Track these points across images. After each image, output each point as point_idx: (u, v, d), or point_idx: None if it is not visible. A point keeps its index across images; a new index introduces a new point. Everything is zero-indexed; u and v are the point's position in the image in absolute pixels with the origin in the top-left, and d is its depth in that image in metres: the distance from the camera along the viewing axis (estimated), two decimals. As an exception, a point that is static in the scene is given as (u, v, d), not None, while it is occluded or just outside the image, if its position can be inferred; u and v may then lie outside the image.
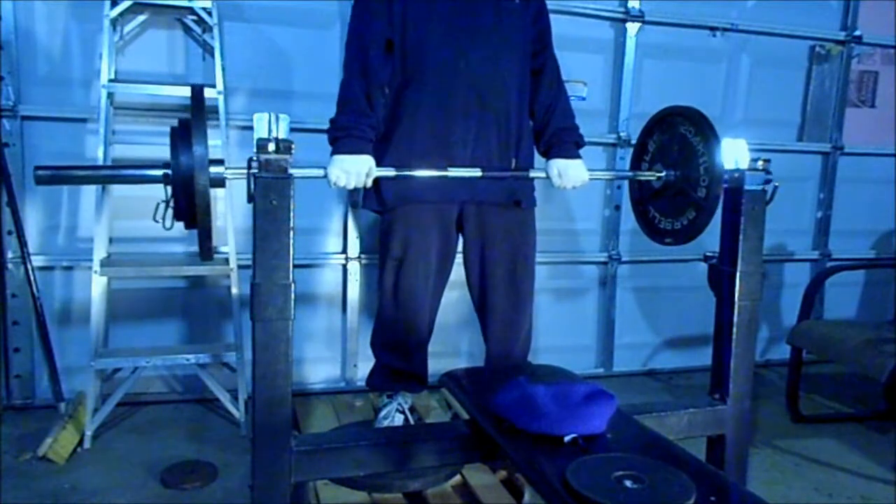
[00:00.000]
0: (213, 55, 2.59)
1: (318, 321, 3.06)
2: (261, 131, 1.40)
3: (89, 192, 2.65)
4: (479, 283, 2.25)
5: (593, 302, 3.45)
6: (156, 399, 2.84)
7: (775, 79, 3.52)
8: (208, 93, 2.56)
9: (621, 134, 3.27)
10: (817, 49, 3.55)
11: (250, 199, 1.41)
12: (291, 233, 1.41)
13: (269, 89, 2.84)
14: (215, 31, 2.57)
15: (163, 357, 2.56)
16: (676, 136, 1.93)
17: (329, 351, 3.09)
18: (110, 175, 1.74)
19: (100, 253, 2.48)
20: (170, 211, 1.51)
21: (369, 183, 1.88)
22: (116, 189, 2.66)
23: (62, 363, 2.68)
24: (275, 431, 1.47)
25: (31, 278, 2.60)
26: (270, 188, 1.39)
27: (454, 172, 1.86)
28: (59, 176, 1.52)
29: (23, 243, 2.59)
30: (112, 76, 2.49)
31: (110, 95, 2.52)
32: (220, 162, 1.50)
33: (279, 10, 2.81)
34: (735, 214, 1.73)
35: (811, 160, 3.68)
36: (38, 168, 1.45)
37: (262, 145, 1.39)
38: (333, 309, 3.08)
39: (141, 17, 2.64)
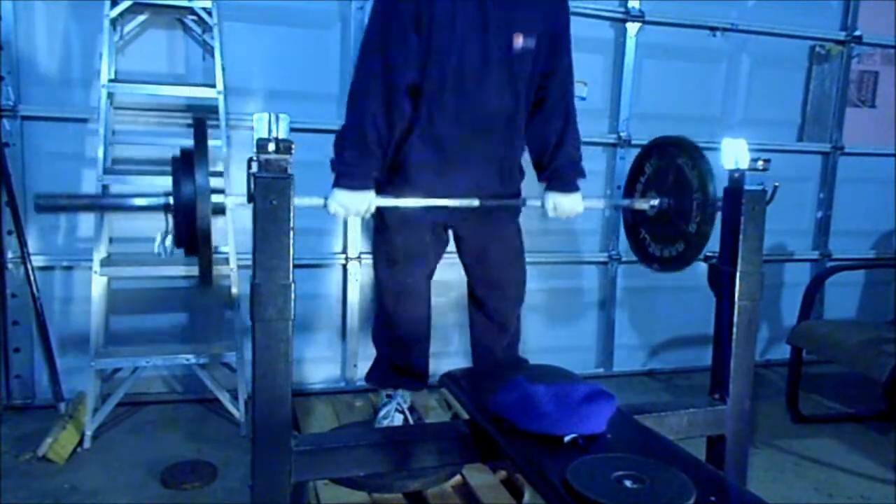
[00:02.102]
0: (213, 55, 2.59)
1: (318, 321, 3.06)
2: (261, 131, 1.40)
3: (89, 192, 2.65)
4: (476, 273, 2.27)
5: (593, 301, 3.45)
6: (156, 399, 2.84)
7: (775, 79, 3.52)
8: (208, 93, 2.57)
9: (621, 134, 3.27)
10: (817, 49, 3.55)
11: (250, 199, 1.41)
12: (291, 233, 1.41)
13: (269, 89, 2.85)
14: (215, 31, 2.57)
15: (163, 357, 2.56)
16: (673, 165, 1.93)
17: (329, 351, 3.09)
18: (111, 204, 1.75)
19: (100, 253, 2.48)
20: (169, 238, 1.51)
21: (368, 215, 1.90)
22: (116, 189, 2.66)
23: (62, 363, 2.68)
24: (275, 431, 1.47)
25: (31, 278, 2.60)
26: (270, 188, 1.39)
27: (453, 202, 1.90)
28: (58, 205, 1.54)
29: (23, 243, 2.59)
30: (112, 76, 2.49)
31: (110, 95, 2.52)
32: (221, 191, 1.53)
33: (279, 10, 2.81)
34: (735, 214, 1.73)
35: (811, 160, 3.68)
36: (38, 196, 1.47)
37: (262, 145, 1.39)
38: (333, 309, 3.08)
39: (141, 17, 2.64)
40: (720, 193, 1.79)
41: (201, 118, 1.59)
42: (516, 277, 2.30)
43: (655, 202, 1.95)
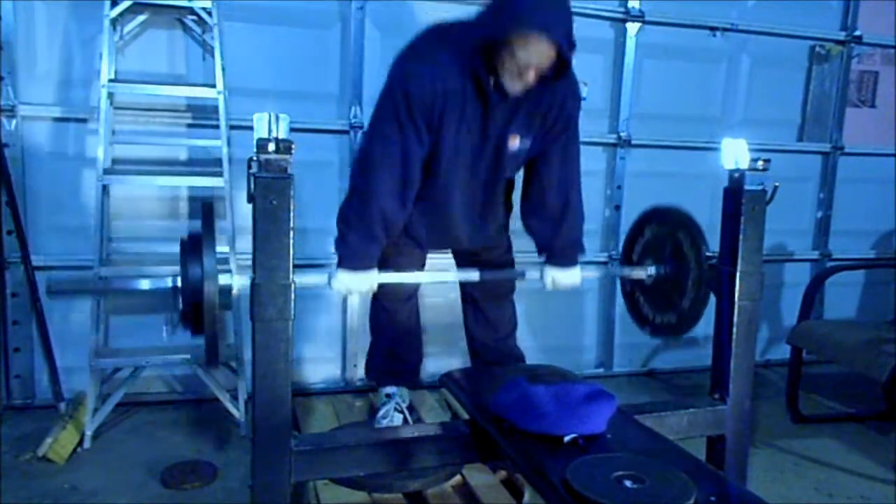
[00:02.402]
0: (213, 55, 2.59)
1: (318, 321, 3.06)
2: (261, 131, 1.40)
3: (89, 192, 2.65)
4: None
5: (593, 302, 3.45)
6: (156, 399, 2.84)
7: (775, 79, 3.52)
8: (208, 93, 2.57)
9: (621, 134, 3.27)
10: (817, 49, 3.55)
11: (250, 199, 1.41)
12: (291, 233, 1.41)
13: (269, 89, 2.84)
14: (215, 31, 2.56)
15: (162, 357, 2.56)
16: (672, 237, 1.98)
17: (329, 351, 3.09)
18: (121, 288, 1.78)
19: (100, 253, 2.47)
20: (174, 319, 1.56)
21: (370, 293, 1.95)
22: (116, 189, 2.67)
23: (62, 363, 2.68)
24: (275, 431, 1.47)
25: (31, 278, 2.60)
26: (270, 188, 1.39)
27: (453, 277, 2.04)
28: (71, 290, 1.59)
29: (23, 243, 2.59)
30: (112, 76, 2.48)
31: (110, 95, 2.52)
32: (228, 271, 1.56)
33: (279, 10, 2.81)
34: (735, 214, 1.73)
35: (811, 160, 3.68)
36: (50, 284, 1.52)
37: (262, 145, 1.39)
38: (333, 309, 3.08)
39: (141, 17, 2.64)
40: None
41: (209, 204, 1.64)
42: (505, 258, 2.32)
43: (652, 271, 2.00)
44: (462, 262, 2.27)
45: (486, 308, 2.33)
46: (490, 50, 1.73)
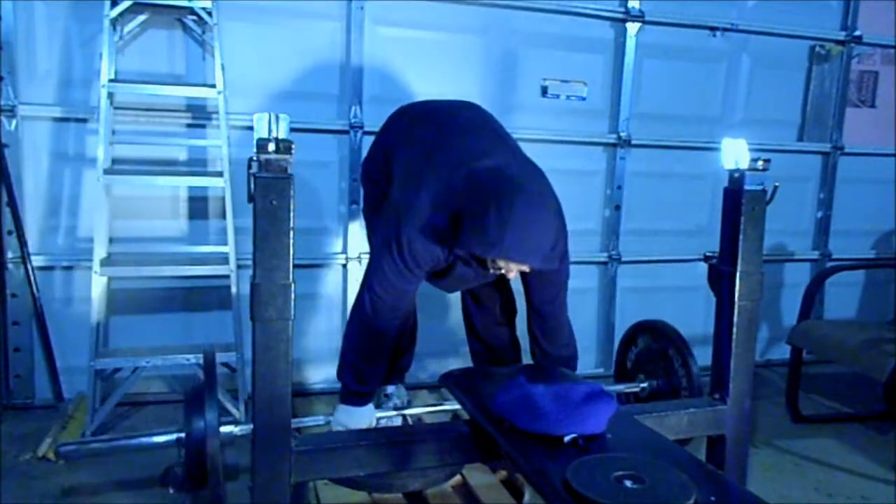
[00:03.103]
0: (213, 55, 2.59)
1: (318, 321, 3.06)
2: (261, 131, 1.40)
3: (89, 192, 2.66)
4: None
5: (593, 302, 3.44)
6: (156, 399, 2.84)
7: (775, 79, 3.52)
8: (208, 93, 2.57)
9: (621, 134, 3.27)
10: (817, 49, 3.55)
11: (250, 199, 1.41)
12: (291, 233, 1.41)
13: (269, 89, 2.84)
14: (215, 31, 2.57)
15: (163, 357, 2.56)
16: (663, 354, 2.13)
17: (329, 351, 3.09)
18: (126, 445, 1.82)
19: (100, 253, 2.47)
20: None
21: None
22: (116, 189, 2.66)
23: (62, 363, 2.69)
24: (275, 431, 1.47)
25: (31, 278, 2.60)
26: (270, 188, 1.39)
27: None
28: (81, 452, 1.65)
29: (23, 243, 2.59)
30: (112, 76, 2.49)
31: (110, 95, 2.52)
32: (231, 422, 1.61)
33: (279, 10, 2.81)
34: (735, 214, 1.73)
35: (811, 160, 3.68)
36: (60, 446, 1.63)
37: (262, 145, 1.39)
38: (333, 309, 3.08)
39: (141, 17, 2.64)
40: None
41: (211, 356, 1.69)
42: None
43: (645, 386, 2.15)
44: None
45: (481, 295, 2.33)
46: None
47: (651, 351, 2.19)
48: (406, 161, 2.01)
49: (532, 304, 2.09)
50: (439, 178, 1.84)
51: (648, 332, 2.23)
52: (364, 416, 1.96)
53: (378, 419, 2.31)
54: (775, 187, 1.74)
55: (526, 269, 1.77)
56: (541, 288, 2.04)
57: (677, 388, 2.02)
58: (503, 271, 1.78)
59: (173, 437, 1.58)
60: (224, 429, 1.56)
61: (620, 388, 2.19)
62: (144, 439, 1.67)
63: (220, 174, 2.54)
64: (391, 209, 1.95)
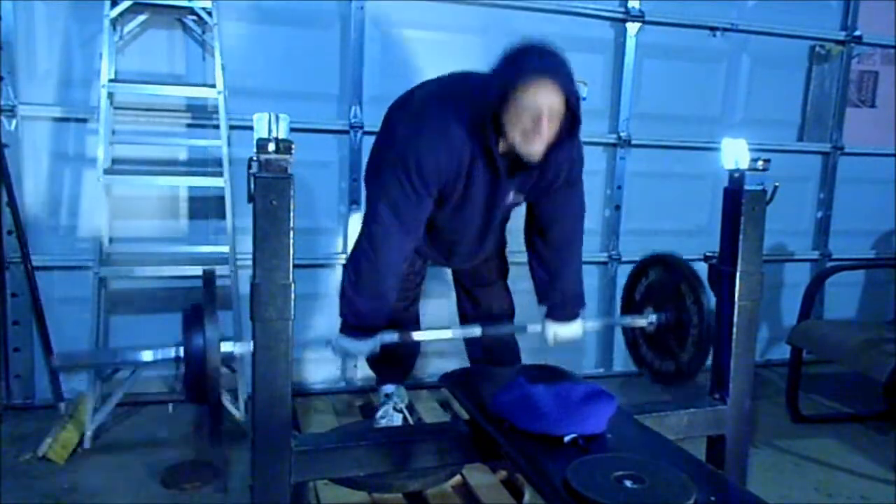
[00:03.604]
0: (213, 55, 2.59)
1: (318, 321, 3.06)
2: (261, 131, 1.40)
3: (89, 191, 2.65)
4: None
5: (593, 302, 3.44)
6: (156, 399, 2.84)
7: (775, 79, 3.52)
8: (208, 93, 2.57)
9: (621, 134, 3.27)
10: (817, 49, 3.55)
11: (250, 199, 1.41)
12: (291, 233, 1.41)
13: (269, 89, 2.84)
14: (215, 31, 2.57)
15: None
16: (675, 288, 1.97)
17: (329, 351, 3.08)
18: (126, 362, 1.78)
19: (100, 253, 2.47)
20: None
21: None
22: (116, 189, 2.66)
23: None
24: (275, 431, 1.47)
25: (31, 278, 2.59)
26: (270, 188, 1.39)
27: (452, 333, 2.11)
28: (73, 365, 1.60)
29: (23, 243, 2.59)
30: (112, 76, 2.48)
31: (110, 95, 2.51)
32: (229, 339, 1.55)
33: (279, 10, 2.81)
34: (735, 214, 1.73)
35: (811, 160, 3.68)
36: (53, 357, 1.51)
37: (262, 145, 1.39)
38: (333, 309, 3.07)
39: (141, 17, 2.63)
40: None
41: (211, 272, 1.64)
42: (498, 266, 2.34)
43: (653, 319, 2.00)
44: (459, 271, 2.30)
45: (478, 294, 2.33)
46: (499, 117, 1.71)
47: (662, 284, 2.03)
48: (406, 110, 2.02)
49: (544, 231, 2.04)
50: (445, 103, 1.84)
51: (661, 265, 2.06)
52: (364, 347, 1.89)
53: (377, 419, 2.33)
54: (775, 187, 1.74)
55: (556, 108, 1.68)
56: (553, 210, 2.00)
57: (687, 324, 1.90)
58: (530, 139, 1.69)
59: (172, 353, 1.54)
60: (223, 346, 1.52)
61: (627, 320, 2.08)
62: (142, 354, 1.61)
63: (220, 174, 2.54)
64: (397, 145, 1.90)
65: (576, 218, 2.05)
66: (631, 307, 2.12)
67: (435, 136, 1.79)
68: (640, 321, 2.01)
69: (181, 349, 1.50)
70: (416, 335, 1.98)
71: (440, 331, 2.10)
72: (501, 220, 2.12)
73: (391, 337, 1.88)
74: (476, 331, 2.00)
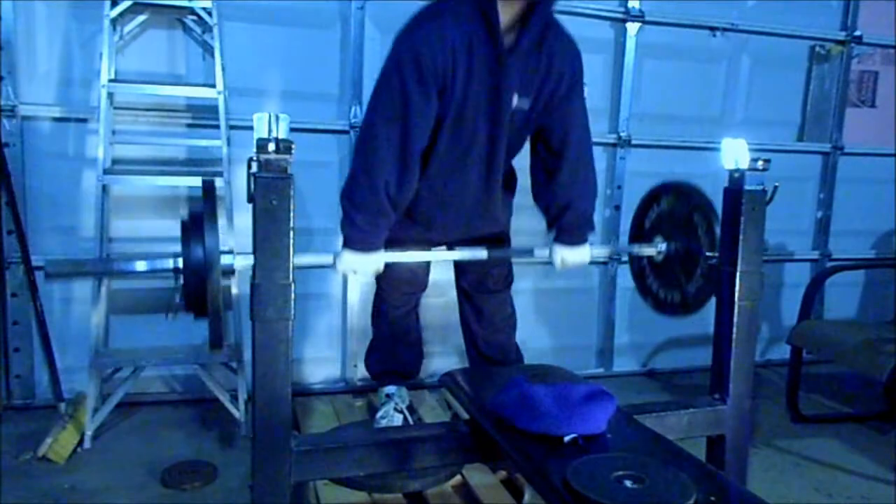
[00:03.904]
0: (213, 55, 2.59)
1: (318, 321, 3.06)
2: (261, 131, 1.40)
3: (89, 191, 2.65)
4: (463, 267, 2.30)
5: (593, 302, 3.45)
6: (156, 399, 2.84)
7: (775, 79, 3.52)
8: (208, 93, 2.57)
9: (621, 134, 3.27)
10: (817, 49, 3.55)
11: (250, 199, 1.41)
12: (291, 233, 1.41)
13: (269, 89, 2.84)
14: (215, 31, 2.57)
15: (163, 357, 2.56)
16: (686, 216, 1.93)
17: (329, 351, 3.09)
18: (121, 270, 1.74)
19: (100, 252, 2.47)
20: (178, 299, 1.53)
21: (376, 274, 1.91)
22: (116, 189, 2.67)
23: (62, 363, 2.68)
24: (275, 431, 1.47)
25: (31, 278, 2.60)
26: (270, 188, 1.39)
27: (459, 255, 1.96)
28: (69, 273, 1.55)
29: (23, 243, 2.59)
30: (112, 76, 2.49)
31: (110, 95, 2.52)
32: (229, 252, 1.52)
33: (279, 10, 2.81)
34: (735, 214, 1.73)
35: (811, 160, 3.68)
36: (48, 263, 1.48)
37: (262, 145, 1.39)
38: (333, 309, 3.08)
39: (141, 17, 2.64)
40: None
41: (210, 182, 1.59)
42: (501, 270, 2.30)
43: (662, 248, 1.96)
44: (461, 263, 2.26)
45: (481, 302, 2.31)
46: None
47: (674, 213, 1.96)
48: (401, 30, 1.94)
49: (555, 152, 1.97)
50: (439, 6, 1.81)
51: (674, 193, 1.99)
52: (374, 259, 1.84)
53: (378, 419, 2.33)
54: (775, 187, 1.74)
55: None
56: (562, 121, 1.94)
57: (697, 254, 1.85)
58: None
59: (169, 264, 1.50)
60: (223, 259, 1.48)
61: (635, 248, 2.03)
62: (136, 264, 1.56)
63: (220, 174, 2.54)
64: (392, 55, 1.83)
65: (584, 131, 1.99)
66: (640, 236, 2.07)
67: (430, 27, 1.75)
68: (649, 250, 1.97)
69: (179, 260, 1.47)
70: (416, 255, 1.95)
71: (444, 252, 2.01)
72: (508, 151, 2.00)
73: (394, 256, 1.85)
74: (482, 253, 1.92)
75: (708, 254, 1.85)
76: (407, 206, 1.97)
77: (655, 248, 1.96)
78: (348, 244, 1.83)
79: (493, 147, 1.92)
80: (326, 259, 1.79)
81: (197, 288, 1.46)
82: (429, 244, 2.14)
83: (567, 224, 2.01)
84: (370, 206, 1.82)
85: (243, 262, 1.49)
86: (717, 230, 1.80)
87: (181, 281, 1.49)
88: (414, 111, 1.76)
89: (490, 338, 2.34)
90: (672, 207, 1.98)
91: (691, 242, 1.87)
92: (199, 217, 1.48)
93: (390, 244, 1.92)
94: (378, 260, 1.85)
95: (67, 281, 2.66)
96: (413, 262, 2.15)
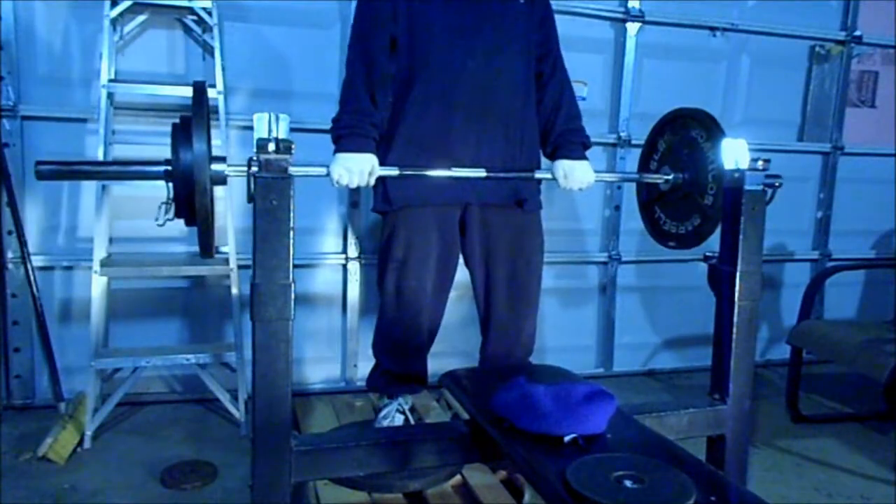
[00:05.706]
0: (213, 55, 2.59)
1: (318, 321, 3.06)
2: (261, 131, 1.40)
3: (89, 192, 2.65)
4: (483, 284, 2.23)
5: (593, 302, 3.45)
6: (156, 399, 2.84)
7: (775, 79, 3.52)
8: (208, 93, 2.56)
9: (621, 134, 3.28)
10: (817, 49, 3.55)
11: (250, 199, 1.41)
12: (291, 233, 1.41)
13: (269, 89, 2.85)
14: (215, 31, 2.57)
15: (163, 357, 2.56)
16: (687, 139, 1.93)
17: (329, 351, 3.09)
18: (112, 171, 1.74)
19: (100, 253, 2.48)
20: (170, 208, 1.49)
21: (372, 182, 1.86)
22: (116, 189, 2.66)
23: (62, 363, 2.68)
24: (275, 431, 1.47)
25: (31, 278, 2.60)
26: (270, 188, 1.39)
27: (458, 172, 1.86)
28: (60, 171, 1.51)
29: (23, 243, 2.59)
30: (112, 76, 2.49)
31: (110, 95, 2.52)
32: (221, 159, 1.48)
33: (279, 10, 2.81)
34: (735, 214, 1.73)
35: (811, 160, 3.68)
36: (39, 163, 1.43)
37: (262, 145, 1.39)
38: (333, 309, 3.08)
39: (141, 17, 2.64)
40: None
41: (201, 82, 1.55)
42: (532, 280, 2.23)
43: (670, 176, 1.93)
44: (483, 263, 2.20)
45: (506, 323, 2.23)
46: None
47: (674, 145, 1.96)
48: None
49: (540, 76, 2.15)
50: None
51: (670, 129, 2.00)
52: (367, 159, 1.87)
53: (379, 419, 2.33)
54: (775, 187, 1.74)
55: None
56: (546, 36, 2.15)
57: (703, 186, 1.84)
58: None
59: (161, 168, 1.47)
60: (214, 166, 1.45)
61: (637, 176, 2.03)
62: (129, 167, 1.58)
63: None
64: None
65: (562, 59, 2.18)
66: (647, 164, 2.06)
67: None
68: (657, 178, 1.96)
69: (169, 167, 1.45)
70: (417, 170, 1.93)
71: (445, 171, 1.91)
72: (524, 101, 2.09)
73: (390, 170, 1.81)
74: (480, 173, 1.85)
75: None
76: (407, 123, 2.03)
77: (663, 178, 1.95)
78: (338, 144, 1.93)
79: (490, 60, 2.02)
80: (320, 171, 1.70)
81: (186, 192, 1.43)
82: (444, 206, 2.11)
83: (561, 132, 2.11)
84: (354, 106, 1.98)
85: (236, 171, 1.47)
86: (718, 137, 1.81)
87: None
88: (372, 32, 2.00)
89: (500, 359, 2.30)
90: (671, 143, 2.01)
91: (699, 174, 1.87)
92: (189, 121, 1.45)
93: (404, 262, 2.07)
94: (370, 161, 1.87)
95: (58, 185, 2.68)
96: (417, 283, 2.12)
